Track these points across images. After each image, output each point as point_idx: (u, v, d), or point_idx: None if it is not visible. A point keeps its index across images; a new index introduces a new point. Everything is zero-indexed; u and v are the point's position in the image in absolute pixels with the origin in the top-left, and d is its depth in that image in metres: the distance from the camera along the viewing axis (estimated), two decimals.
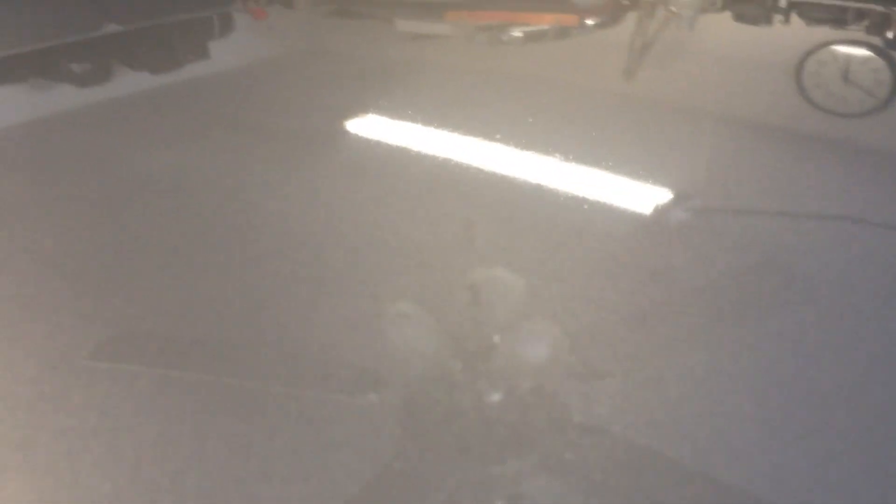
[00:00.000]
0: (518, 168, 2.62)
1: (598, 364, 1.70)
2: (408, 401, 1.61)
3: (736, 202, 2.42)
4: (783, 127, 2.98)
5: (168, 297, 2.04)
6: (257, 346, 1.81)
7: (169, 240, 2.34)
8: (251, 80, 3.84)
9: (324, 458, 1.47)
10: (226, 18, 3.92)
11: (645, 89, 3.25)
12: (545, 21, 3.56)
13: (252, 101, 3.51)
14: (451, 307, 1.88)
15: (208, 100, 3.58)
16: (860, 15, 3.04)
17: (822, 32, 3.05)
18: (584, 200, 2.42)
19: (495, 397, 1.60)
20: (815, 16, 3.15)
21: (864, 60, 2.89)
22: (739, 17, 3.35)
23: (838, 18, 3.09)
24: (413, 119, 3.04)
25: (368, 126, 3.13)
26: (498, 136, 2.82)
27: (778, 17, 3.26)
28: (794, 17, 3.21)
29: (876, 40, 2.94)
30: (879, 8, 2.99)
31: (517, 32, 3.58)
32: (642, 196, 2.43)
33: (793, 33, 3.16)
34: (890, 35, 2.90)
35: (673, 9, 3.31)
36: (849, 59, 2.91)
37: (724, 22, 3.35)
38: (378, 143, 2.96)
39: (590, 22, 3.53)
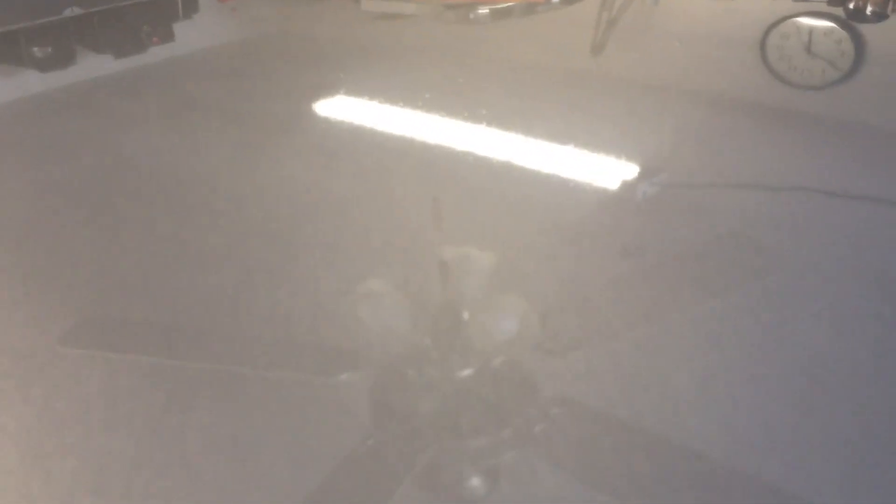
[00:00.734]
0: (486, 145, 2.62)
1: (568, 337, 1.72)
2: (379, 378, 1.61)
3: (703, 176, 2.44)
4: (749, 100, 3.00)
5: (138, 282, 2.02)
6: (228, 329, 1.80)
7: (139, 224, 2.31)
8: (218, 63, 3.80)
9: (298, 439, 1.47)
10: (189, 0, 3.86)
11: (611, 65, 3.26)
12: None
13: (220, 84, 3.47)
14: (421, 285, 1.89)
15: (175, 83, 3.54)
16: None
17: (786, 6, 3.07)
18: (552, 176, 2.43)
19: (467, 372, 1.61)
20: None
21: (827, 32, 2.91)
22: None
23: None
24: (380, 99, 3.03)
25: (336, 107, 3.11)
26: (465, 114, 2.82)
27: None
28: None
29: (838, 11, 2.97)
30: None
31: (484, 10, 3.57)
32: (610, 171, 2.44)
33: (760, 8, 3.18)
34: (851, 6, 2.93)
35: None
36: (811, 31, 2.93)
37: None
38: (346, 124, 2.95)
39: None
